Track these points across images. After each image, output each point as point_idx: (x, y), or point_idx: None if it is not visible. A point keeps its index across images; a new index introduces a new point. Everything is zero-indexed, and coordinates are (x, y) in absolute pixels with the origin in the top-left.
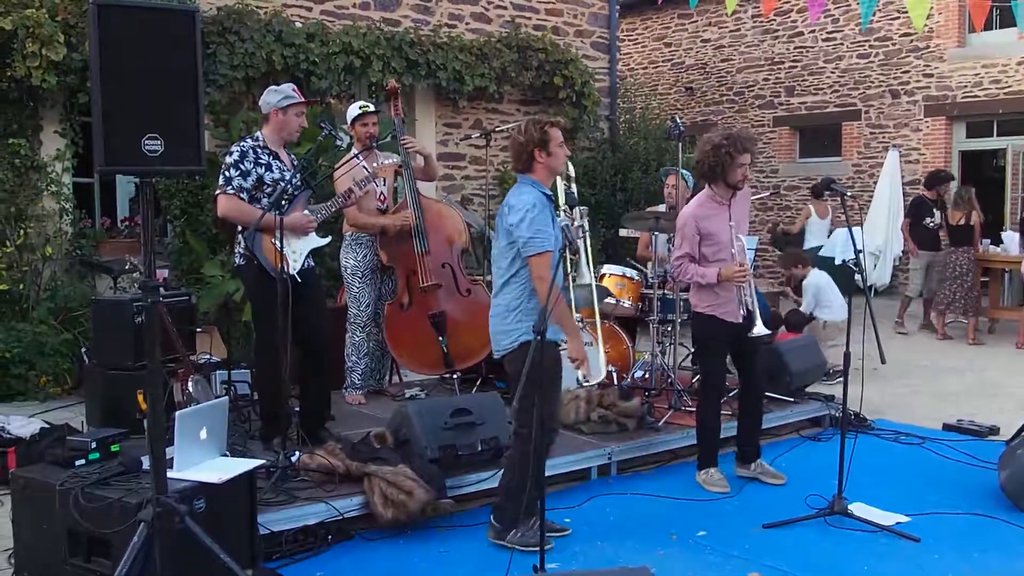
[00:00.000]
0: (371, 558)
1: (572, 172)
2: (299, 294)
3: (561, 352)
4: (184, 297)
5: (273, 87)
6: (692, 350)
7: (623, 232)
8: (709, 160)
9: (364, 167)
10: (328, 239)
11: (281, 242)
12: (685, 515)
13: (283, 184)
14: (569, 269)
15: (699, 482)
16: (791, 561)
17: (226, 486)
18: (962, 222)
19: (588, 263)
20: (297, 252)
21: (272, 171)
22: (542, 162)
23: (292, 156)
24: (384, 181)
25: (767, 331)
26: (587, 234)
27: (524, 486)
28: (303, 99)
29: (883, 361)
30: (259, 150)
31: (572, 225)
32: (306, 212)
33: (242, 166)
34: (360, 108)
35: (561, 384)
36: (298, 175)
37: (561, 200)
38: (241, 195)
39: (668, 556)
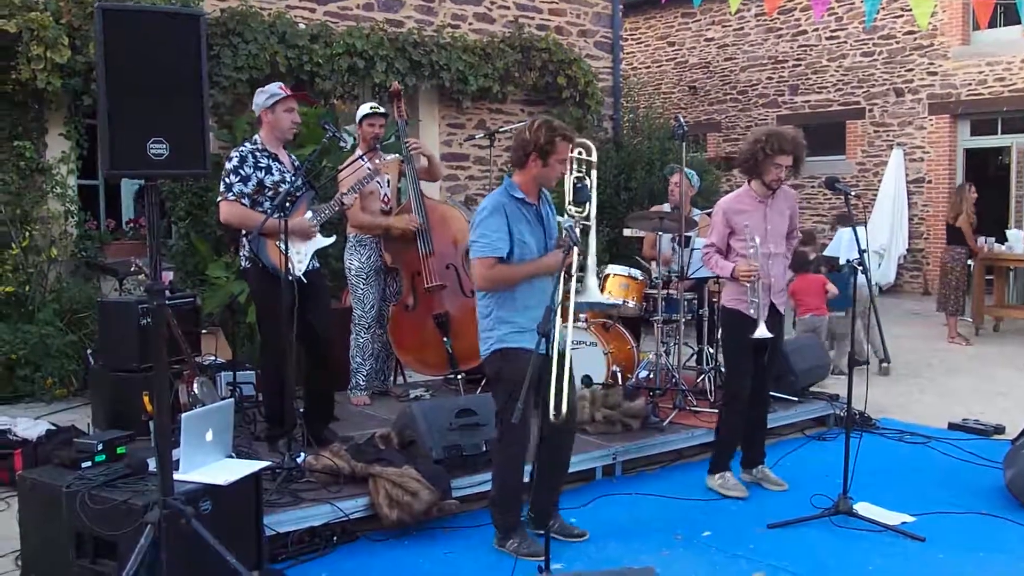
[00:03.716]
0: (376, 559)
1: (594, 157)
2: (305, 295)
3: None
4: (189, 299)
5: (260, 89)
6: (696, 349)
7: (627, 232)
8: (746, 154)
9: (368, 167)
10: (333, 238)
11: (286, 244)
12: (690, 515)
13: (286, 186)
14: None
15: (713, 487)
16: (796, 561)
17: (232, 488)
18: (952, 222)
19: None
20: (302, 254)
21: (272, 174)
22: (533, 170)
23: (293, 157)
24: (388, 182)
25: (769, 334)
26: (576, 245)
27: (505, 496)
28: (288, 94)
29: (887, 360)
30: (258, 154)
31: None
32: (309, 214)
33: (242, 171)
34: (370, 108)
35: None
36: (300, 177)
37: (568, 196)
38: (242, 200)
39: (673, 556)
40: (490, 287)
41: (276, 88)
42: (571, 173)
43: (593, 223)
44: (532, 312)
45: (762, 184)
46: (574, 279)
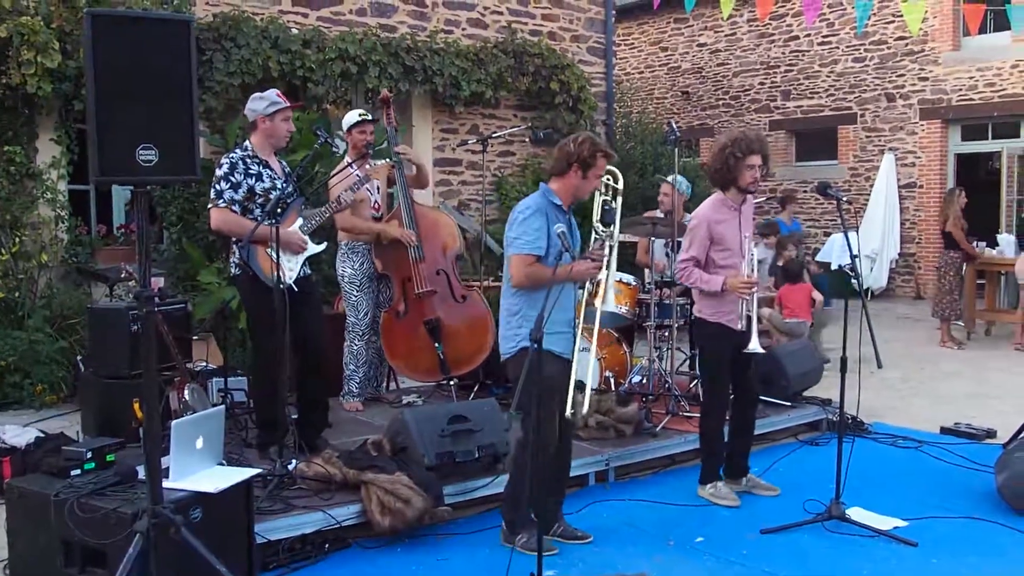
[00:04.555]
0: (369, 566)
1: (620, 185)
2: (296, 302)
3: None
4: (180, 305)
5: (257, 94)
6: (689, 355)
7: (620, 237)
8: (716, 164)
9: (358, 174)
10: (324, 244)
11: (277, 252)
12: (683, 521)
13: (277, 193)
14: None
15: (705, 496)
16: (789, 567)
17: (222, 495)
18: (943, 227)
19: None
20: (293, 261)
21: (263, 180)
22: (573, 180)
23: (284, 163)
24: (378, 188)
25: (761, 349)
26: (569, 250)
27: (517, 493)
28: (288, 104)
29: (879, 365)
30: (249, 160)
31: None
32: (299, 221)
33: (232, 178)
34: (359, 115)
35: (559, 396)
36: (291, 184)
37: (596, 215)
38: (233, 207)
39: (666, 562)
40: (525, 284)
41: (275, 96)
42: (601, 195)
43: (616, 242)
44: (557, 314)
45: (737, 190)
46: (585, 289)
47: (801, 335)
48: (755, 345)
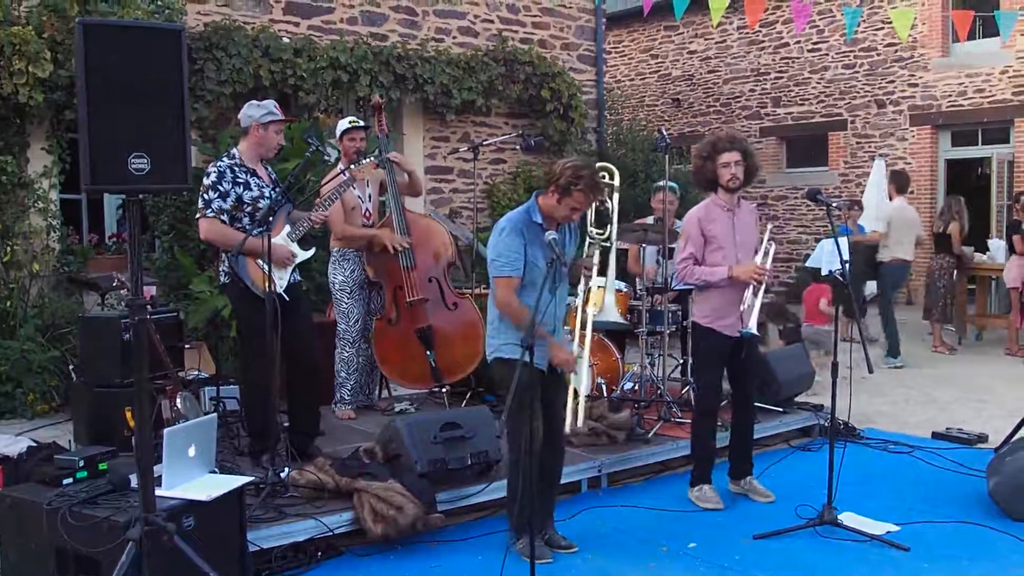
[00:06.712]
0: (361, 574)
1: (616, 181)
2: (286, 310)
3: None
4: (172, 313)
5: (255, 102)
6: (681, 361)
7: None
8: (695, 169)
9: (345, 176)
10: (313, 250)
11: (269, 263)
12: (676, 527)
13: (266, 201)
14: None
15: (692, 499)
16: (781, 572)
17: (215, 503)
18: (940, 231)
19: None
20: (283, 270)
21: (251, 189)
22: (550, 200)
23: (269, 168)
24: (369, 196)
25: (755, 332)
26: (561, 258)
27: (513, 497)
28: (284, 117)
29: (870, 371)
30: (236, 168)
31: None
32: (287, 228)
33: (220, 187)
34: (350, 122)
35: (531, 404)
36: (278, 192)
37: (590, 218)
38: (221, 217)
39: (659, 568)
40: (502, 311)
41: (273, 107)
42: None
43: (613, 245)
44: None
45: (724, 191)
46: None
47: (819, 343)
48: (753, 326)
